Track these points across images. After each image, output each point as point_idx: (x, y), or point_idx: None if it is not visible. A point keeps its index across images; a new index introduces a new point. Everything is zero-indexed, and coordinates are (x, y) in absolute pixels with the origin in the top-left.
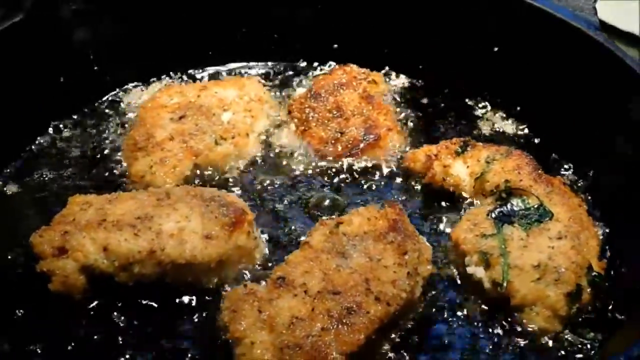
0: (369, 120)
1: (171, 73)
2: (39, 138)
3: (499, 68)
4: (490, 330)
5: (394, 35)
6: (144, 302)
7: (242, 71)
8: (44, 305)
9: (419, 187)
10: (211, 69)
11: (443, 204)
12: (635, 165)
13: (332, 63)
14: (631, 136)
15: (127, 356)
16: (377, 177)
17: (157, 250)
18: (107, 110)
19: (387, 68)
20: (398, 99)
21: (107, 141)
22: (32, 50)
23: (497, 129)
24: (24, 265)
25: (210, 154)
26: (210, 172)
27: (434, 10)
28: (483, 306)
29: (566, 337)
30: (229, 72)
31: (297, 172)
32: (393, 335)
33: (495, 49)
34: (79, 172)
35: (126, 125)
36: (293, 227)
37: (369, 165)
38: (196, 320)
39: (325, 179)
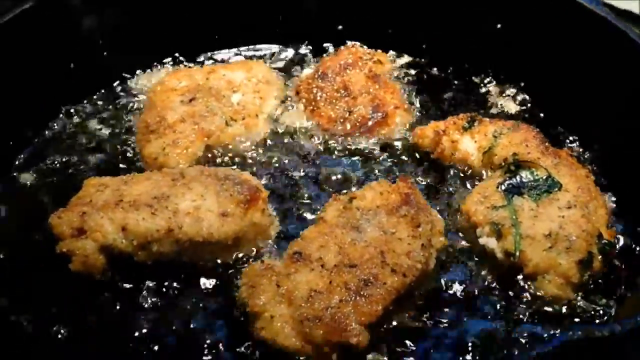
0: (376, 99)
1: (178, 57)
2: (50, 124)
3: (503, 45)
4: (504, 299)
5: (397, 15)
6: (163, 281)
7: (249, 54)
8: (65, 286)
9: (428, 162)
10: (218, 53)
11: (452, 178)
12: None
13: (337, 45)
14: (634, 108)
15: (145, 331)
16: (386, 154)
17: (174, 229)
18: (116, 95)
19: (391, 48)
20: (403, 78)
21: (118, 125)
22: (42, 37)
23: (503, 105)
24: (43, 247)
25: (221, 134)
26: (221, 153)
27: None
28: (495, 275)
29: (579, 303)
30: (236, 56)
31: (307, 151)
32: (410, 305)
33: (498, 25)
34: (92, 156)
35: (136, 110)
36: (305, 204)
37: (378, 142)
38: (215, 297)
39: (335, 156)
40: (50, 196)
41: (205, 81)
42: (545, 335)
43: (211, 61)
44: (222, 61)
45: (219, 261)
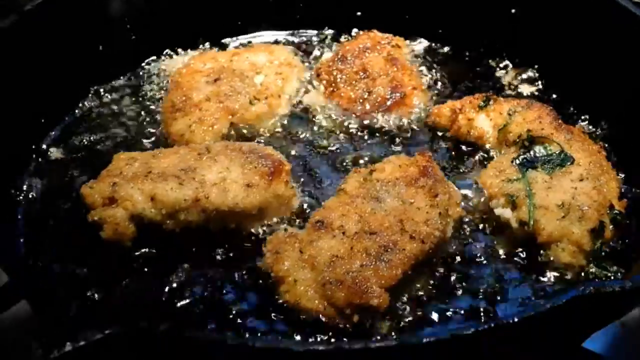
0: (394, 80)
1: (203, 42)
2: (79, 104)
3: (517, 29)
4: (519, 266)
5: (414, 1)
6: (190, 249)
7: (271, 39)
8: (97, 253)
9: (445, 140)
10: (241, 38)
11: (469, 154)
12: None
13: (357, 30)
14: None
15: (172, 294)
16: (404, 132)
17: (201, 198)
18: (143, 77)
19: (409, 33)
20: (421, 61)
21: (145, 105)
22: (73, 20)
23: (517, 87)
24: (75, 217)
25: (245, 113)
26: (245, 130)
27: None
28: (511, 244)
29: (591, 270)
30: (259, 41)
31: (327, 130)
32: (429, 272)
33: (513, 10)
34: (119, 134)
35: (163, 90)
36: (326, 179)
37: (397, 121)
38: (240, 265)
39: (354, 135)
40: (79, 170)
41: (230, 63)
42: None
43: (235, 44)
44: (245, 44)
45: (244, 231)
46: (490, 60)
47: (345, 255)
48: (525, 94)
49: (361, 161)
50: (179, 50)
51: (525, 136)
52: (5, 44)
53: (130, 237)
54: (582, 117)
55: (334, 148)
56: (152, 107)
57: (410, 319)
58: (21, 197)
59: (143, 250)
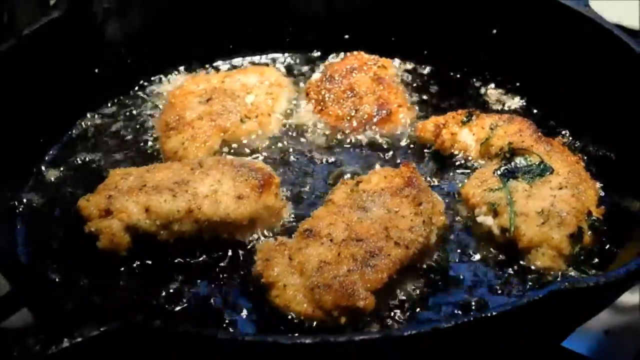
0: (380, 99)
1: (196, 65)
2: (76, 124)
3: (499, 48)
4: (501, 271)
5: (400, 24)
6: (184, 259)
7: (262, 61)
8: (94, 262)
9: (429, 154)
10: (232, 61)
11: (452, 167)
12: (627, 130)
13: (345, 52)
14: (621, 103)
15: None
16: (390, 147)
17: (194, 209)
18: (138, 98)
19: (395, 54)
20: (406, 81)
21: (140, 125)
22: (70, 44)
23: (500, 103)
24: (73, 230)
25: (236, 130)
26: (237, 147)
27: (435, 1)
28: (493, 251)
29: (570, 273)
30: (249, 63)
31: (316, 146)
32: (413, 277)
33: (494, 31)
34: (115, 154)
35: (157, 111)
36: (315, 191)
37: (383, 137)
38: (232, 273)
39: (342, 150)
40: (76, 186)
41: (221, 84)
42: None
43: (227, 66)
44: (237, 66)
45: (236, 241)
46: (473, 79)
47: (333, 261)
48: (508, 108)
49: (348, 174)
50: (173, 72)
51: (507, 148)
52: (4, 67)
53: (125, 247)
54: (562, 132)
55: (322, 162)
56: (147, 127)
57: (396, 320)
58: (21, 209)
59: (138, 259)
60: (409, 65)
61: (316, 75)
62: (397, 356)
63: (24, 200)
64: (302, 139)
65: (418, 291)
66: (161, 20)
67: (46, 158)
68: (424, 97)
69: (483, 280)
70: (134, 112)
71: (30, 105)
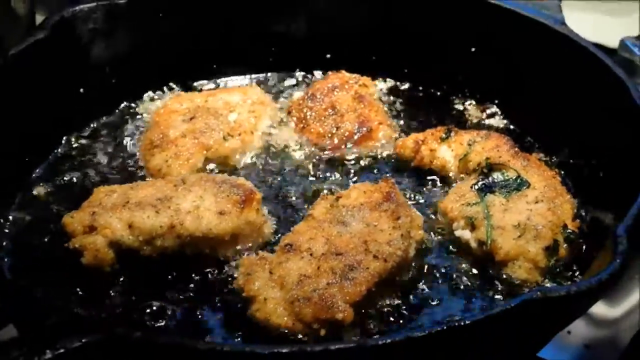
0: (361, 116)
1: (180, 84)
2: (62, 143)
3: (477, 66)
4: (478, 283)
5: (380, 44)
6: (167, 275)
7: (245, 82)
8: (78, 278)
9: (409, 170)
10: (216, 81)
11: (431, 183)
12: (602, 146)
13: (326, 71)
14: (597, 120)
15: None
16: (371, 163)
17: (176, 225)
18: (123, 118)
19: (375, 73)
20: (387, 99)
21: (124, 144)
22: (54, 64)
23: (478, 120)
24: (58, 247)
25: (219, 148)
26: (219, 164)
27: (415, 20)
28: (471, 264)
29: (547, 285)
30: (233, 83)
31: (298, 163)
32: (392, 290)
33: (472, 49)
34: (99, 172)
35: (141, 130)
36: (296, 207)
37: (364, 154)
38: (214, 287)
39: (324, 167)
40: (62, 205)
41: (205, 103)
42: (507, 297)
43: (211, 86)
44: (221, 86)
45: (218, 256)
46: (452, 97)
47: (313, 274)
48: (485, 126)
49: (328, 190)
50: (158, 92)
51: (484, 164)
52: None
53: (109, 263)
54: (539, 147)
55: (303, 179)
56: (131, 145)
57: (375, 332)
58: (7, 227)
59: (122, 275)
60: (390, 84)
61: (298, 94)
62: None
63: (10, 218)
64: (284, 156)
65: (396, 303)
66: (146, 41)
67: (32, 177)
68: (404, 114)
69: (460, 293)
70: (119, 131)
71: (16, 125)
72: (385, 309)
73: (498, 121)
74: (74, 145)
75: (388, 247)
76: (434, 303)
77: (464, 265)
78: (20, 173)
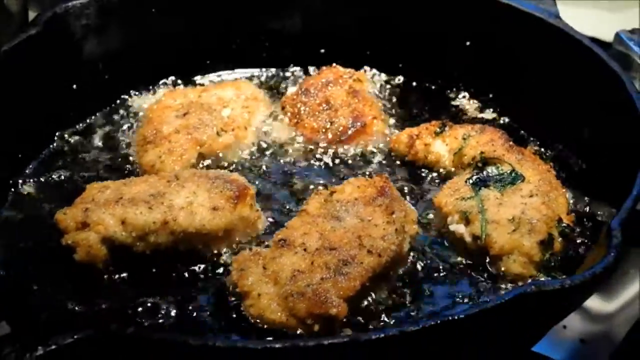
0: (355, 111)
1: (173, 80)
2: (55, 140)
3: (472, 60)
4: (473, 278)
5: (374, 38)
6: (161, 270)
7: (239, 77)
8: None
9: (403, 164)
10: (209, 76)
11: (425, 177)
12: (597, 139)
13: (320, 66)
14: (591, 113)
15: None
16: (365, 158)
17: (169, 221)
18: (117, 114)
19: (370, 67)
20: (381, 94)
21: (118, 140)
22: (47, 60)
23: (472, 114)
24: (51, 244)
25: (213, 143)
26: (213, 160)
27: (409, 15)
28: (465, 258)
29: (541, 279)
30: (227, 79)
31: (292, 158)
32: (386, 285)
33: (467, 43)
34: (93, 169)
35: (134, 126)
36: (290, 203)
37: (358, 149)
38: (208, 283)
39: (318, 162)
40: (54, 202)
41: (198, 98)
42: (502, 291)
43: (204, 82)
44: (214, 81)
45: (212, 252)
46: (447, 91)
47: (307, 269)
48: (480, 119)
49: (323, 185)
50: (151, 87)
51: (479, 158)
52: None
53: (102, 259)
54: (534, 141)
55: (297, 174)
56: (125, 142)
57: (369, 327)
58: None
59: (115, 272)
60: (384, 78)
61: (292, 89)
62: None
63: (3, 216)
64: (278, 152)
65: (390, 299)
66: (139, 37)
67: (25, 173)
68: (398, 109)
69: (455, 288)
70: (112, 127)
71: (9, 121)
72: (379, 304)
73: (493, 115)
74: (67, 142)
75: (382, 241)
76: (427, 297)
77: (458, 260)
78: (13, 169)
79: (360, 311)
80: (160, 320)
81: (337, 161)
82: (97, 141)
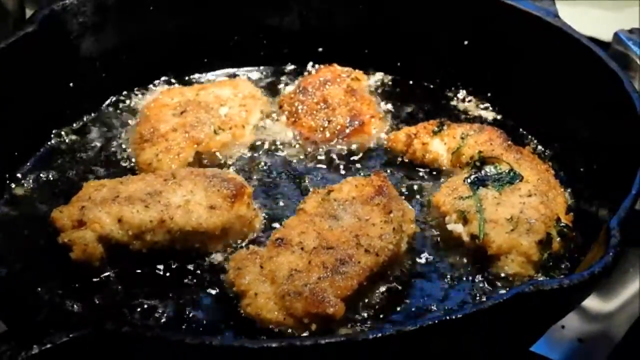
0: (353, 110)
1: (171, 78)
2: (51, 139)
3: (470, 59)
4: (471, 277)
5: (372, 37)
6: (157, 269)
7: (237, 75)
8: (67, 273)
9: (401, 164)
10: (207, 75)
11: (423, 177)
12: (596, 139)
13: (318, 65)
14: (590, 112)
15: (140, 314)
16: (363, 157)
17: (166, 220)
18: (113, 112)
19: (368, 66)
20: (379, 93)
21: (114, 139)
22: (44, 58)
23: (471, 113)
24: (47, 243)
25: (210, 142)
26: (210, 158)
27: (407, 13)
28: (463, 259)
29: (539, 279)
30: (225, 77)
31: (289, 157)
32: (383, 284)
33: (465, 42)
34: (90, 166)
35: (132, 124)
36: (287, 201)
37: (355, 148)
38: (205, 282)
39: (316, 161)
40: (50, 200)
41: (196, 97)
42: (500, 291)
43: (202, 80)
44: (212, 79)
45: (209, 251)
46: (445, 90)
47: (304, 268)
48: (478, 118)
49: (320, 184)
50: (148, 86)
51: (477, 157)
52: None
53: (98, 258)
54: (532, 140)
55: (295, 173)
56: (122, 139)
57: (367, 326)
58: None
59: (111, 270)
60: (382, 77)
61: (290, 88)
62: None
63: None
64: (275, 150)
65: (388, 298)
66: (136, 35)
67: (21, 171)
68: (396, 108)
69: (453, 287)
70: (109, 125)
71: (5, 119)
72: (377, 303)
73: (491, 114)
74: (64, 140)
75: (380, 241)
76: (425, 297)
77: (456, 259)
78: (9, 167)
79: (357, 310)
80: (157, 319)
81: (334, 160)
82: (94, 139)
